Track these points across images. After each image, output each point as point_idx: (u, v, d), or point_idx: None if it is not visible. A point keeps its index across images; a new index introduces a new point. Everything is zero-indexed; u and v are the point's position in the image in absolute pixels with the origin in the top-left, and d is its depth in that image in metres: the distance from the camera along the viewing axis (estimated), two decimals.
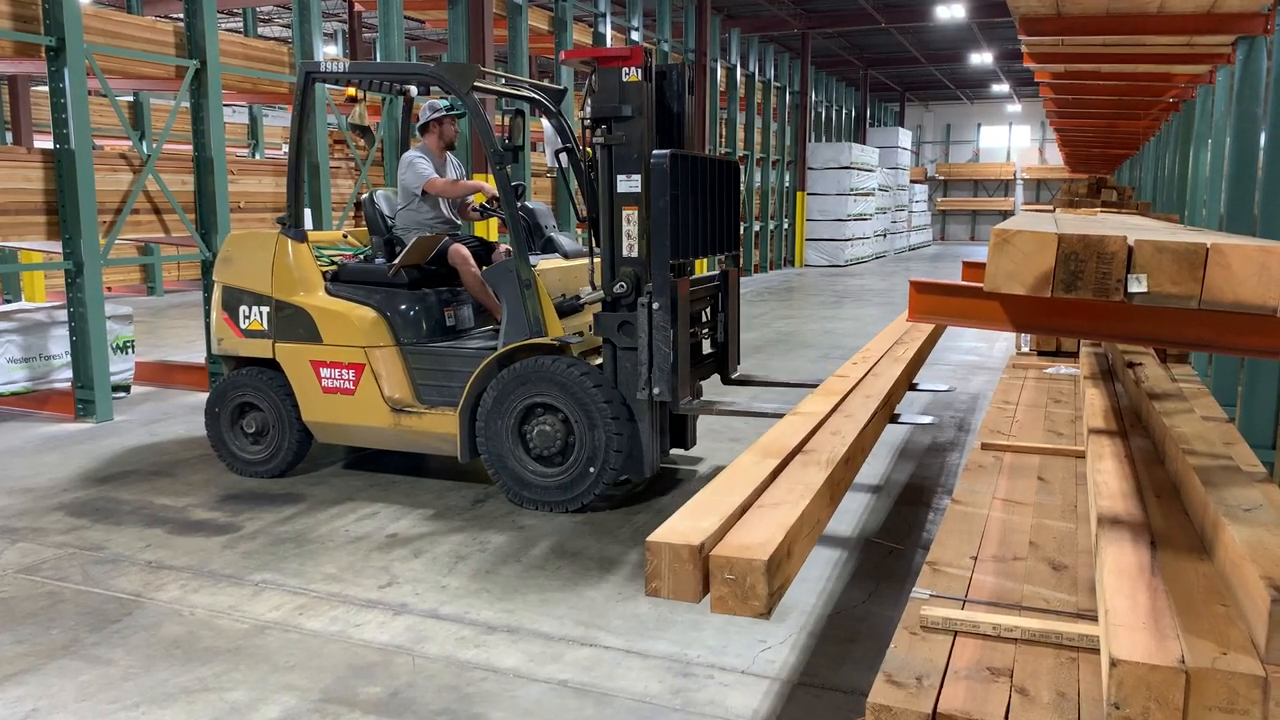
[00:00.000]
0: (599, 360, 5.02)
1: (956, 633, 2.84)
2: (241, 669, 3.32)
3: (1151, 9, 5.12)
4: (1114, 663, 2.18)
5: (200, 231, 7.81)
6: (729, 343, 5.56)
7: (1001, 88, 31.26)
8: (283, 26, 20.87)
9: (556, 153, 5.54)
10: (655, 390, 4.79)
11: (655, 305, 4.72)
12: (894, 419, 4.73)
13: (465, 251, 5.48)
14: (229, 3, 17.89)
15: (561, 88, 6.05)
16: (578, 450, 4.85)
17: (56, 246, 7.00)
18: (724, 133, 18.88)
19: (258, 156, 16.58)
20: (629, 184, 4.72)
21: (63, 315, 7.11)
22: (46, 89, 6.90)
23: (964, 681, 2.58)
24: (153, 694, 3.15)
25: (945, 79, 30.75)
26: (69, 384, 7.13)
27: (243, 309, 5.54)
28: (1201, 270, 2.10)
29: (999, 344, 10.28)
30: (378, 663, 3.37)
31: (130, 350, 7.76)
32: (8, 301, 12.90)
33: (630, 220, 4.76)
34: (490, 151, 5.08)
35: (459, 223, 5.93)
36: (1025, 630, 2.77)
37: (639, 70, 4.68)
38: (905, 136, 30.10)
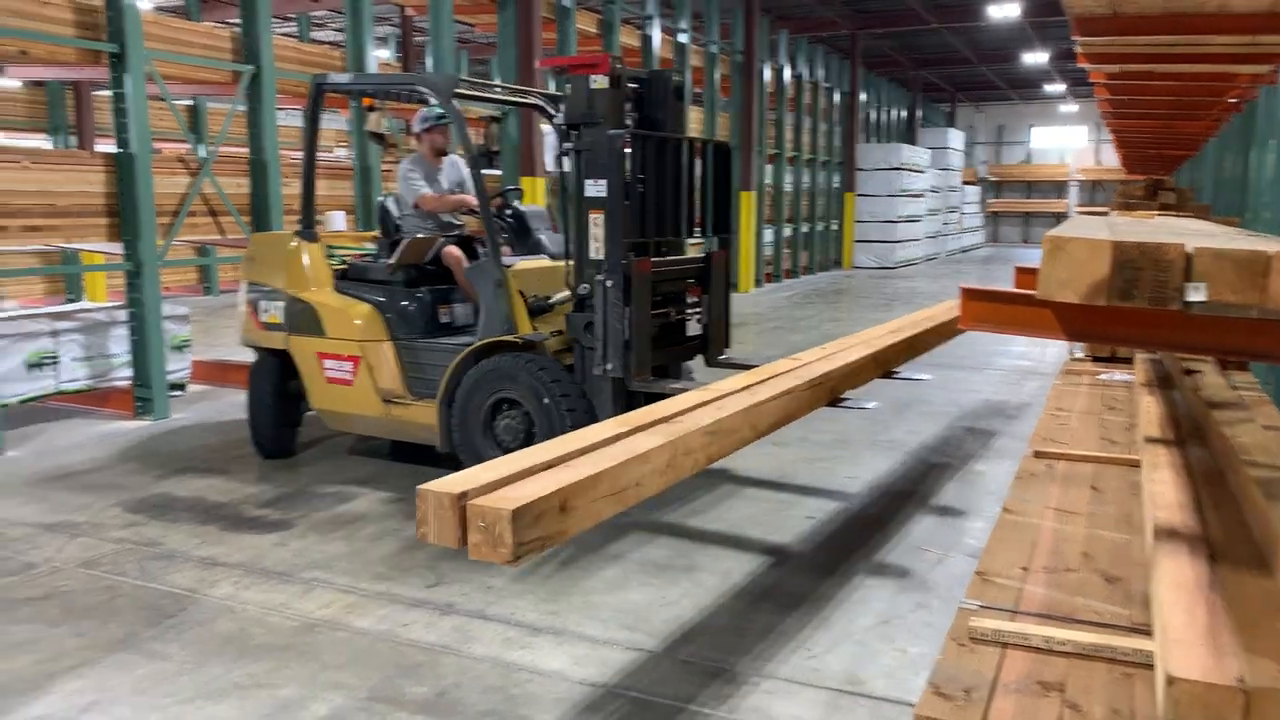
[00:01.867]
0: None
1: (1006, 645, 2.80)
2: (292, 666, 3.37)
3: (1211, 8, 4.98)
4: (1170, 680, 2.12)
5: (254, 233, 7.94)
6: (713, 325, 5.55)
7: (1056, 88, 30.75)
8: (336, 31, 21.15)
9: (557, 157, 5.63)
10: (608, 366, 4.91)
11: (609, 283, 4.85)
12: (889, 375, 5.04)
13: (458, 253, 5.67)
14: (285, 7, 18.23)
15: (560, 93, 6.15)
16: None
17: (117, 248, 7.17)
18: (772, 134, 18.79)
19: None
20: (596, 188, 4.87)
21: (123, 315, 7.27)
22: (109, 94, 7.06)
23: (1014, 695, 2.54)
24: (206, 689, 3.21)
25: (997, 79, 30.30)
26: (128, 382, 7.30)
27: (262, 303, 5.91)
28: (1264, 279, 2.05)
29: (1051, 349, 10.11)
30: (424, 662, 3.41)
31: (186, 349, 7.92)
32: (70, 301, 13.26)
33: (597, 224, 4.90)
34: (468, 156, 5.33)
35: (458, 224, 6.08)
36: (1077, 644, 2.72)
37: (606, 78, 4.81)
38: (956, 137, 29.72)
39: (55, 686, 3.23)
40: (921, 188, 24.65)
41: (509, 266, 5.27)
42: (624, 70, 5.00)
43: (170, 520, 4.91)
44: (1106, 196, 27.11)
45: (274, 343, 5.91)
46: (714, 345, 5.56)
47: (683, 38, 14.78)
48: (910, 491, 5.51)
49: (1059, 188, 36.82)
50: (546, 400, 4.87)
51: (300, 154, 6.10)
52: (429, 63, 9.91)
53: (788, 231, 19.89)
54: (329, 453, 6.25)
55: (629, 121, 5.39)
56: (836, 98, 22.47)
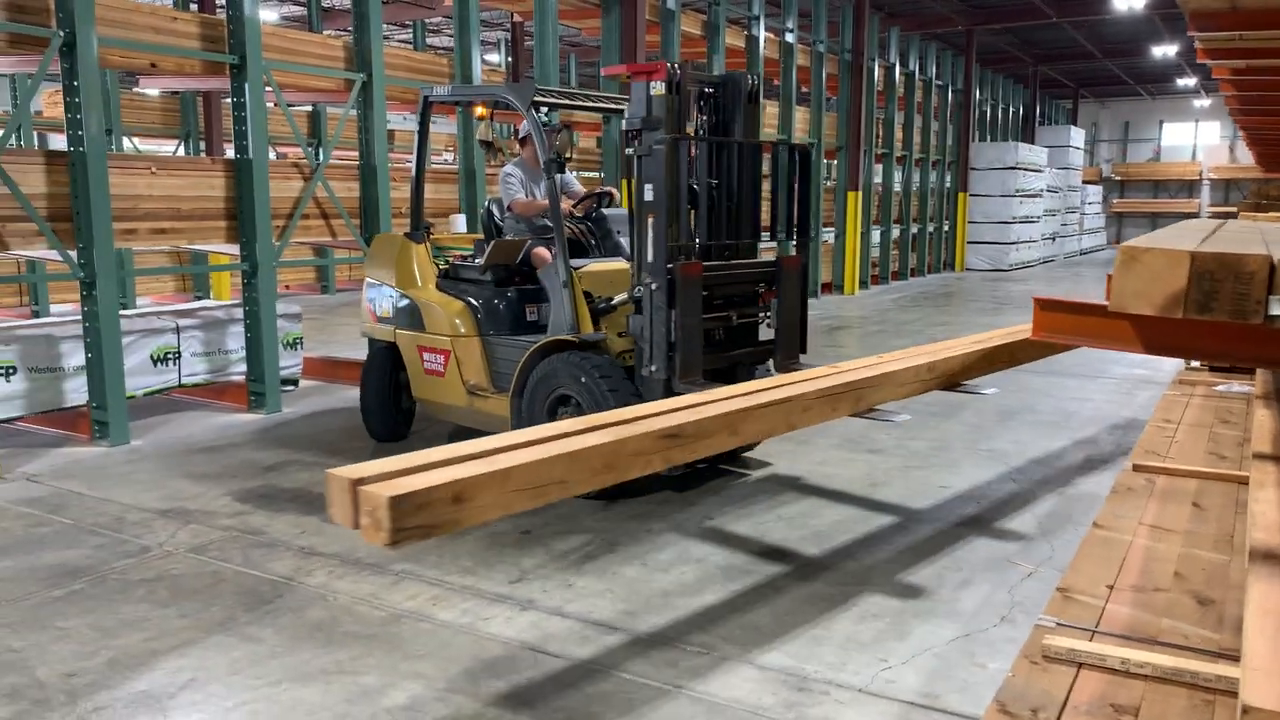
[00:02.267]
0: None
1: (1081, 664, 2.72)
2: (376, 654, 3.51)
3: None
4: (1245, 709, 2.04)
5: (364, 235, 8.25)
6: (783, 330, 5.50)
7: (1187, 82, 29.27)
8: (449, 36, 21.68)
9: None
10: (652, 368, 5.01)
11: (654, 286, 4.97)
12: (953, 388, 4.83)
13: (544, 254, 5.77)
14: (401, 14, 18.81)
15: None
16: None
17: (235, 249, 7.54)
18: (880, 133, 18.45)
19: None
20: (651, 193, 4.97)
21: (240, 313, 7.65)
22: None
23: (1084, 717, 2.47)
24: (294, 672, 3.37)
25: (1123, 74, 29.02)
26: (243, 377, 7.67)
27: (377, 299, 6.35)
28: None
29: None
30: (502, 657, 3.50)
31: (299, 346, 8.27)
32: (198, 299, 14.00)
33: (653, 228, 4.98)
34: (543, 162, 5.52)
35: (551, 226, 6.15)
36: (1157, 667, 2.62)
37: (663, 84, 4.91)
38: (1077, 135, 28.60)
39: (159, 663, 3.43)
40: (1038, 187, 23.82)
41: (578, 268, 5.44)
42: (685, 75, 5.05)
43: (275, 510, 5.15)
44: (1242, 196, 25.68)
45: (385, 336, 6.34)
46: (783, 350, 5.50)
47: (789, 37, 14.65)
48: (1005, 502, 5.35)
49: (1189, 187, 35.03)
50: (597, 398, 4.97)
51: (411, 158, 6.40)
52: (534, 68, 10.08)
53: (896, 233, 19.51)
54: (431, 443, 6.44)
55: (701, 125, 5.48)
56: (950, 95, 21.92)
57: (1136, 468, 4.50)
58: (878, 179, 18.61)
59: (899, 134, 19.28)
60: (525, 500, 2.70)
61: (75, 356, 6.69)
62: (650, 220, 5.00)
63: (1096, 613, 2.99)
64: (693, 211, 5.23)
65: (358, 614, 3.86)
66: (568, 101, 6.23)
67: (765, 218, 5.65)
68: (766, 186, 5.73)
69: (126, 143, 13.94)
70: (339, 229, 8.20)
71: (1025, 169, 22.74)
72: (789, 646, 3.59)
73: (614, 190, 6.58)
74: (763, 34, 13.82)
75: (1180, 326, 2.11)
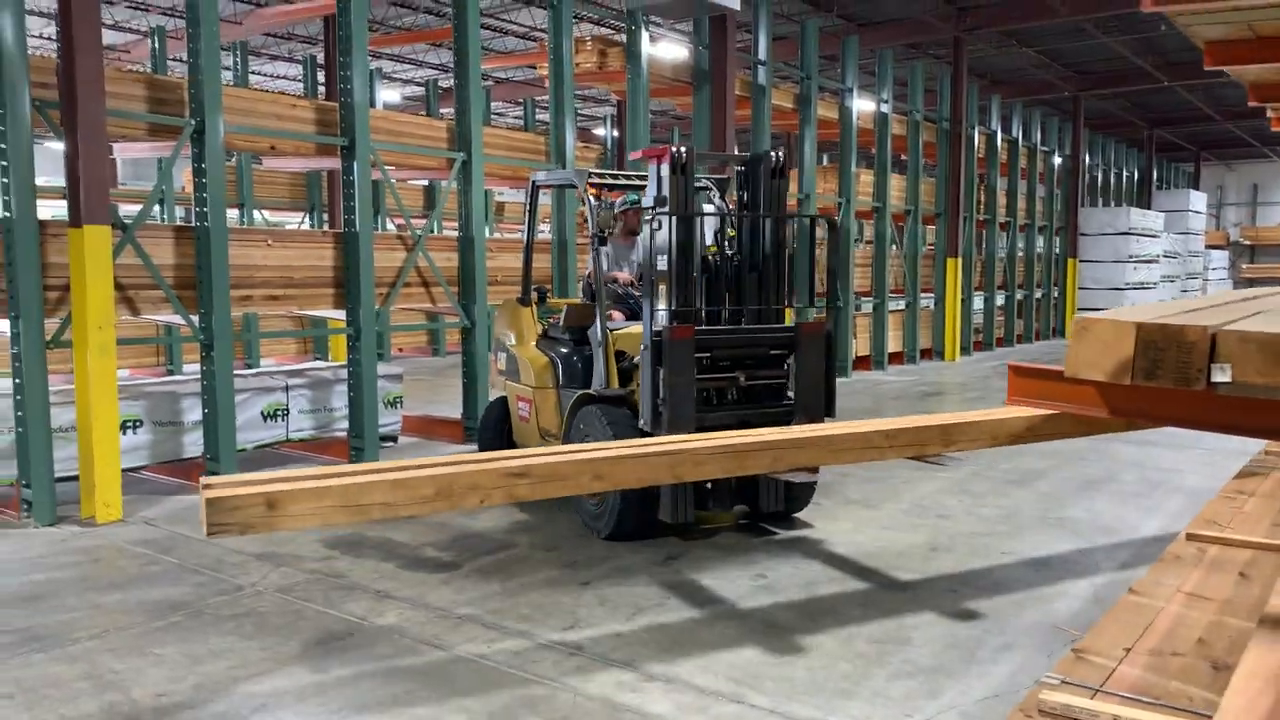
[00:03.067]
0: None
1: (1071, 718, 2.80)
2: (429, 689, 3.79)
3: None
4: None
5: (462, 302, 8.77)
6: (802, 394, 5.65)
7: None
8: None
9: (715, 233, 6.03)
10: (641, 422, 5.42)
11: (644, 346, 5.41)
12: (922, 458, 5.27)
13: (617, 315, 6.41)
14: (515, 93, 19.80)
15: (725, 176, 6.62)
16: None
17: (342, 314, 8.14)
18: (983, 199, 18.35)
19: (490, 234, 18.07)
20: (663, 262, 5.43)
21: (345, 373, 8.22)
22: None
23: None
24: (353, 703, 3.68)
25: (1248, 136, 28.06)
26: (346, 433, 8.21)
27: (498, 355, 7.18)
28: None
29: None
30: (543, 695, 3.74)
31: (398, 405, 8.80)
32: (317, 359, 14.88)
33: (664, 294, 5.52)
34: (591, 235, 6.10)
35: (636, 293, 6.58)
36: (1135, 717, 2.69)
37: (668, 165, 5.45)
38: (1198, 199, 27.70)
39: (238, 689, 3.80)
40: (1154, 252, 23.15)
41: (615, 329, 6.02)
42: (690, 158, 5.52)
43: (358, 556, 5.54)
44: None
45: (499, 387, 7.20)
46: (802, 412, 5.61)
47: (884, 107, 14.86)
48: (1064, 571, 5.33)
49: None
50: None
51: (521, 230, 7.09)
52: (627, 143, 10.58)
53: (1000, 299, 19.24)
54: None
55: (729, 200, 6.26)
56: (1057, 160, 21.65)
57: (1190, 536, 4.48)
58: (980, 245, 18.47)
59: (1002, 200, 19.14)
60: (344, 515, 3.31)
61: (194, 412, 7.33)
62: (661, 287, 5.46)
63: (1105, 673, 3.06)
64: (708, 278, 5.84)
65: (420, 652, 4.16)
66: (614, 181, 6.77)
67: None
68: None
69: (257, 215, 15.04)
70: (438, 296, 8.75)
71: (1139, 234, 22.17)
72: (817, 699, 3.72)
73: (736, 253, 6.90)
74: (855, 105, 14.07)
75: (1131, 392, 2.25)
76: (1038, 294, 20.88)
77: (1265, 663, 2.72)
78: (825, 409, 5.73)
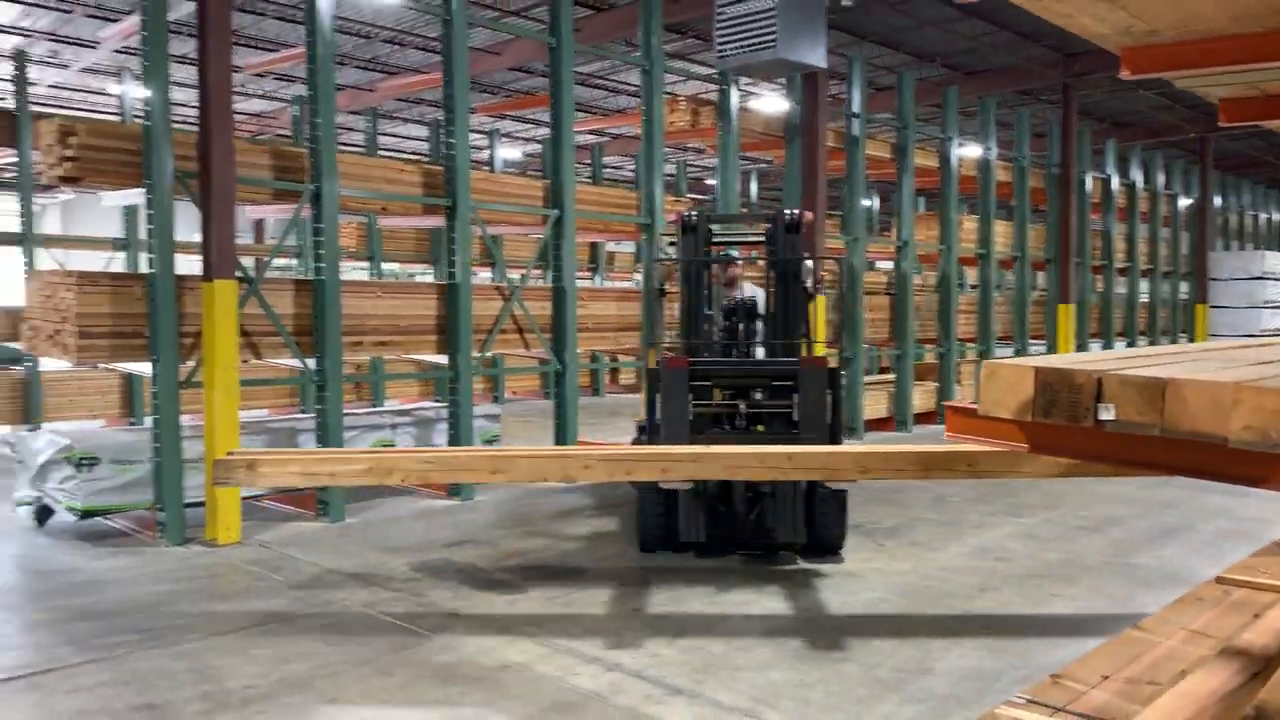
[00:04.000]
0: None
1: None
2: (478, 693, 4.25)
3: None
4: None
5: (554, 348, 9.36)
6: (802, 420, 5.99)
7: None
8: (673, 163, 23.27)
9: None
10: (642, 438, 6.28)
11: (644, 375, 6.23)
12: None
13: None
14: (629, 148, 20.57)
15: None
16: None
17: (444, 359, 8.82)
18: (1098, 245, 18.00)
19: (600, 282, 18.75)
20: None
21: (446, 413, 8.88)
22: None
23: None
24: (409, 700, 4.17)
25: None
26: None
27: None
28: (1161, 402, 2.32)
29: None
30: (576, 703, 4.14)
31: (496, 442, 9.41)
32: (437, 400, 15.79)
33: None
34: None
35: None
36: None
37: (679, 226, 6.71)
38: None
39: (313, 685, 4.34)
40: None
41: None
42: (700, 219, 6.64)
43: (439, 578, 6.08)
44: None
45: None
46: (804, 438, 5.88)
47: (989, 155, 14.88)
48: (1110, 616, 5.40)
49: None
50: None
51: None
52: (718, 197, 11.05)
53: (1121, 346, 18.72)
54: (593, 524, 7.26)
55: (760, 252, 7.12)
56: (1183, 203, 20.99)
57: (1220, 580, 4.56)
58: (1095, 291, 18.08)
59: (1120, 245, 18.70)
60: (300, 479, 5.21)
61: (310, 446, 8.08)
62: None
63: (1074, 696, 3.26)
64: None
65: (475, 662, 4.63)
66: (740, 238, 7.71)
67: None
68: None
69: (386, 266, 16.14)
70: (532, 341, 9.35)
71: (1275, 279, 21.18)
72: (829, 714, 4.00)
73: (754, 297, 7.28)
74: (955, 153, 14.16)
75: (1033, 428, 2.54)
76: (1164, 341, 20.18)
77: (1201, 685, 2.92)
78: (830, 437, 6.01)
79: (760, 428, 6.17)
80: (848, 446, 5.91)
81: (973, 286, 16.89)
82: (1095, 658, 3.64)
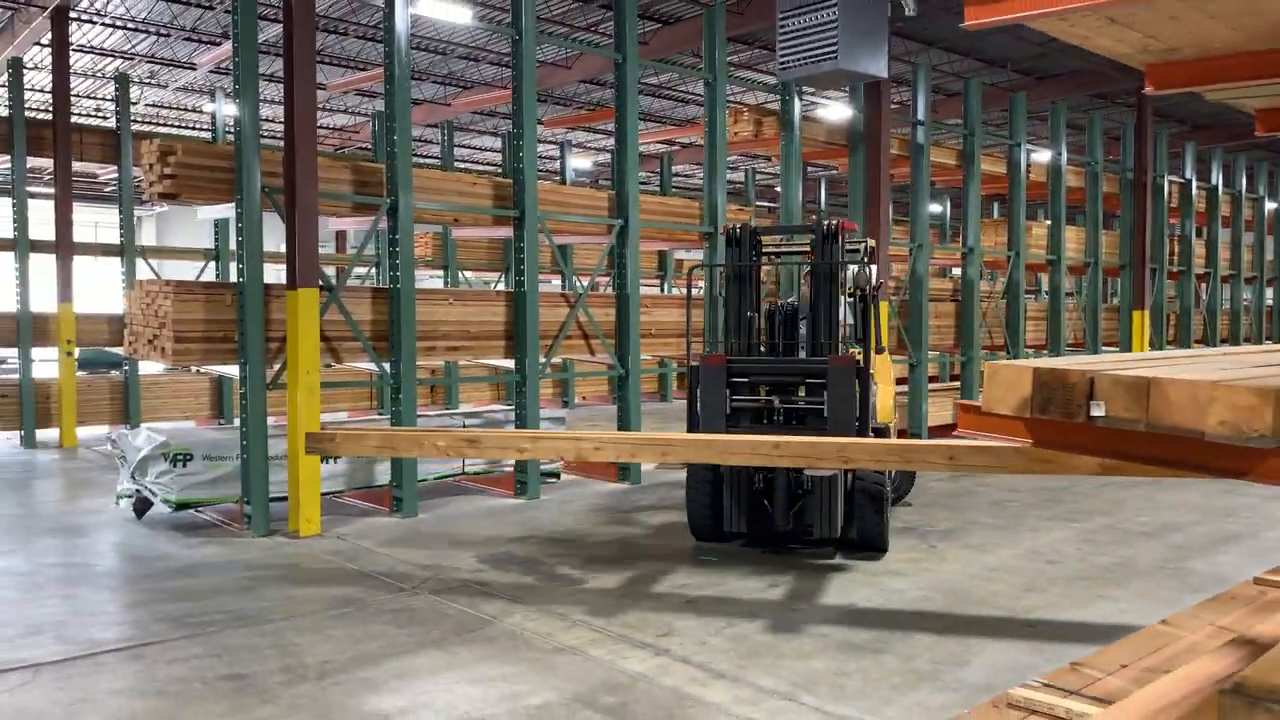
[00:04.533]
0: None
1: (1033, 711, 3.22)
2: (533, 672, 4.56)
3: None
4: None
5: (617, 353, 9.67)
6: (831, 416, 6.25)
7: None
8: (740, 170, 23.47)
9: (875, 286, 6.75)
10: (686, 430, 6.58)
11: (688, 372, 6.81)
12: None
13: None
14: (696, 156, 20.82)
15: (862, 240, 7.35)
16: None
17: (511, 364, 9.20)
18: (1174, 249, 17.66)
19: (667, 289, 19.00)
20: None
21: (514, 415, 9.25)
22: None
23: None
24: (470, 677, 4.50)
25: None
26: (512, 469, 9.22)
27: None
28: (1146, 400, 2.51)
29: None
30: (623, 683, 4.42)
31: None
32: (506, 402, 16.25)
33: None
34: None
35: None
36: (1086, 714, 3.07)
37: (724, 236, 7.22)
38: None
39: (384, 663, 4.70)
40: None
41: None
42: (745, 231, 6.95)
43: (504, 570, 6.43)
44: None
45: None
46: (832, 432, 6.17)
47: (1059, 160, 14.77)
48: (1154, 615, 5.47)
49: None
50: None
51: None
52: (781, 206, 11.24)
53: None
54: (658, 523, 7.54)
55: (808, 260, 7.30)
56: (1270, 206, 20.42)
57: (1257, 580, 4.64)
58: (1175, 297, 17.74)
59: (1199, 250, 18.31)
60: (371, 450, 6.63)
61: None
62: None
63: (1089, 682, 3.43)
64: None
65: (533, 644, 4.95)
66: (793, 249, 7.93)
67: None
68: None
69: (460, 275, 16.68)
70: (596, 347, 9.68)
71: None
72: (860, 703, 4.21)
73: (793, 301, 7.53)
74: (1024, 159, 14.10)
75: (1031, 423, 2.74)
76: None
77: (1201, 670, 3.08)
78: (859, 432, 6.21)
79: (792, 422, 6.51)
80: (832, 437, 6.05)
81: (1045, 292, 16.72)
82: (1117, 649, 3.79)
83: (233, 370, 7.87)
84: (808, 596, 5.80)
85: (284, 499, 7.62)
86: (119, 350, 14.17)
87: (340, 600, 5.75)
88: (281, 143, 7.55)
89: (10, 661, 4.75)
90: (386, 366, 8.20)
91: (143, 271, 13.53)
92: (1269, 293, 20.69)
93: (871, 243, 7.42)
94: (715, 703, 4.20)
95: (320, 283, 7.71)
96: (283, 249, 7.63)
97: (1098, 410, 2.62)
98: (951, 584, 6.09)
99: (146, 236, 30.40)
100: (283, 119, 7.60)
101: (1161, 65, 3.72)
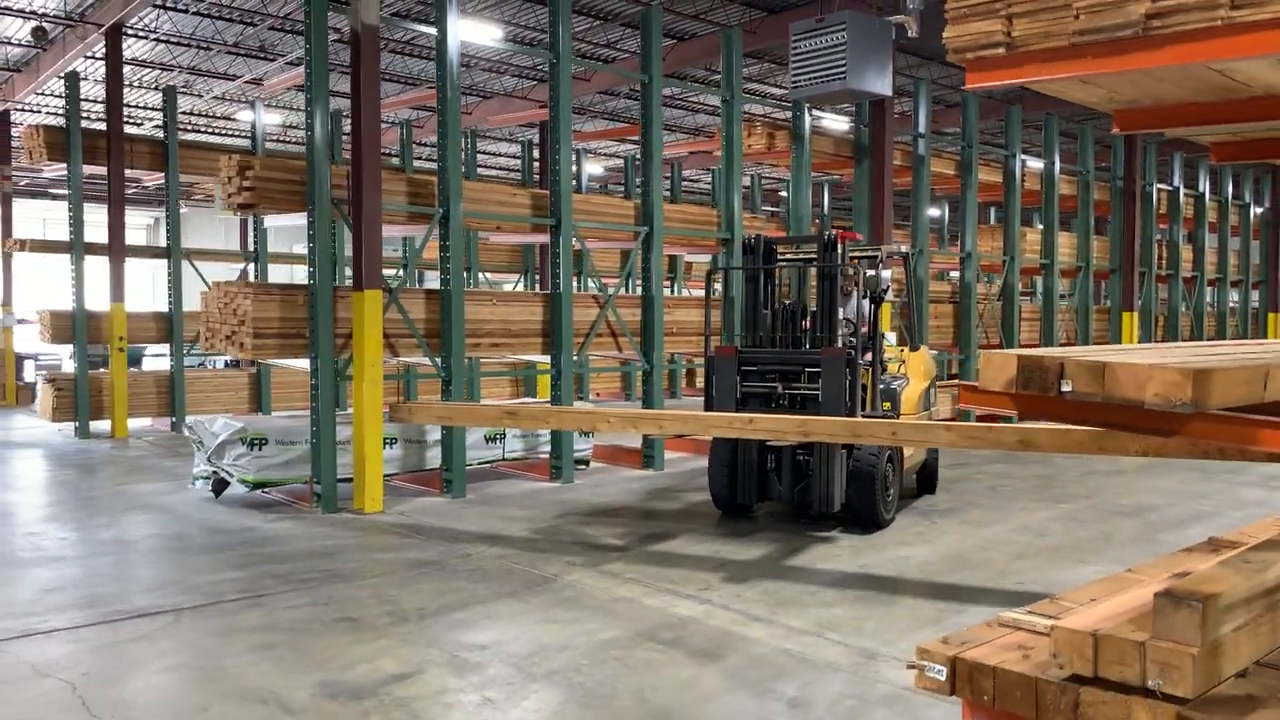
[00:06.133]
0: None
1: (1018, 628, 4.05)
2: (598, 616, 5.39)
3: None
4: (1053, 629, 3.46)
5: (643, 350, 10.50)
6: (823, 400, 7.09)
7: None
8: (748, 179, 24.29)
9: (883, 289, 7.62)
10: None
11: (704, 362, 7.78)
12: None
13: None
14: (705, 162, 21.67)
15: (877, 249, 8.13)
16: None
17: (547, 359, 10.03)
18: (1162, 254, 18.52)
19: (678, 291, 19.84)
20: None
21: (559, 407, 10.07)
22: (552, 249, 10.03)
23: (991, 647, 3.85)
24: (545, 618, 5.33)
25: None
26: (548, 455, 10.04)
27: None
28: (1102, 378, 3.34)
29: None
30: (676, 622, 5.26)
31: (591, 435, 10.57)
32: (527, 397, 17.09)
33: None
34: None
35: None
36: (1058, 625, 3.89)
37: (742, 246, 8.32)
38: None
39: (471, 608, 5.53)
40: None
41: None
42: (759, 240, 7.97)
43: (554, 539, 7.26)
44: None
45: None
46: (825, 414, 7.00)
47: (1052, 169, 15.61)
48: None
49: None
50: None
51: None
52: (790, 214, 12.08)
53: None
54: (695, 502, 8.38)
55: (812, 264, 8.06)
56: (1255, 212, 21.29)
57: (1211, 540, 5.48)
58: (1162, 300, 18.59)
59: (1187, 255, 19.18)
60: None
61: (435, 433, 9.35)
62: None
63: (1064, 610, 4.25)
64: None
65: (594, 596, 5.78)
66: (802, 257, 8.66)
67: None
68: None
69: (481, 276, 17.50)
70: (624, 345, 10.51)
71: None
72: (876, 639, 5.04)
73: (802, 300, 8.39)
74: (1019, 169, 14.94)
75: (1016, 397, 3.57)
76: None
77: (1146, 592, 3.91)
78: (848, 414, 7.00)
79: (795, 405, 7.45)
80: (796, 415, 6.90)
81: (1039, 294, 17.57)
82: (1088, 588, 4.63)
83: (302, 364, 8.67)
84: (825, 561, 6.64)
85: (348, 480, 8.44)
86: (158, 347, 15.06)
87: (418, 563, 6.58)
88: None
89: (147, 608, 5.58)
90: (439, 360, 9.02)
91: (188, 273, 14.33)
92: (1254, 295, 21.54)
93: (887, 250, 8.27)
94: (756, 638, 5.04)
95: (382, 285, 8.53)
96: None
97: (1066, 387, 3.46)
98: (951, 552, 6.93)
99: (160, 238, 31.20)
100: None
101: (1125, 112, 4.55)
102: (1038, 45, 3.59)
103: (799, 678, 4.51)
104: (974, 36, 3.72)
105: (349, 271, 9.31)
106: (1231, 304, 21.22)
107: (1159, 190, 18.21)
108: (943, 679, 3.87)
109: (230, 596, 5.81)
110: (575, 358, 9.93)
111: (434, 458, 9.41)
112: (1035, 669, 3.67)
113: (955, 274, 19.17)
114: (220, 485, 8.73)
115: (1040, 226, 16.20)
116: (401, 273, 17.03)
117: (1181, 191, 18.86)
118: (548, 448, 10.15)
